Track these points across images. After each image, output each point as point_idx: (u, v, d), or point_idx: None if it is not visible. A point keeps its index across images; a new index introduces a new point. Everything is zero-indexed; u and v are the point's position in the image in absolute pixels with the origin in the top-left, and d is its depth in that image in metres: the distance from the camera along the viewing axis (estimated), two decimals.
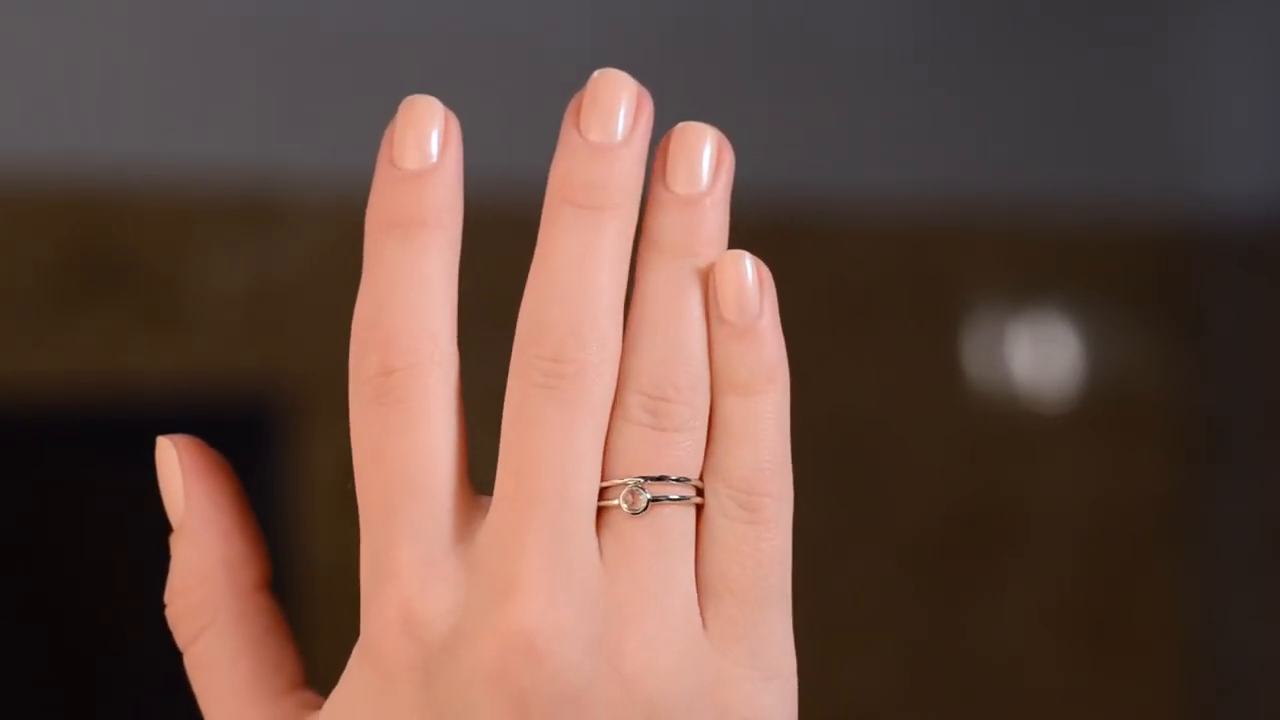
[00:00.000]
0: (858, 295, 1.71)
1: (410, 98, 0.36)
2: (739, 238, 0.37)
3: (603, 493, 0.34)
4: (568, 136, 0.35)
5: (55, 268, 1.39)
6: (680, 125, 0.36)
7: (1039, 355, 1.81)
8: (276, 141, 1.46)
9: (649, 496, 0.34)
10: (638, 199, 0.35)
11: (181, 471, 0.37)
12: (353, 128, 1.47)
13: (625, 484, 0.34)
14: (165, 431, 0.40)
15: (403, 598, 0.34)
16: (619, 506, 0.34)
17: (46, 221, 1.39)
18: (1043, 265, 1.81)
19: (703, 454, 0.35)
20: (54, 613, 1.40)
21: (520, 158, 1.32)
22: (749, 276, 0.35)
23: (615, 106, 0.35)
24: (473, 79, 1.51)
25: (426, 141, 0.36)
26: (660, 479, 0.34)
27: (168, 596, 0.37)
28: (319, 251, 1.48)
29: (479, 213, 1.53)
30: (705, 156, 0.36)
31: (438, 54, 1.50)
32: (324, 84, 1.47)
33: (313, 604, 1.49)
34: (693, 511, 0.35)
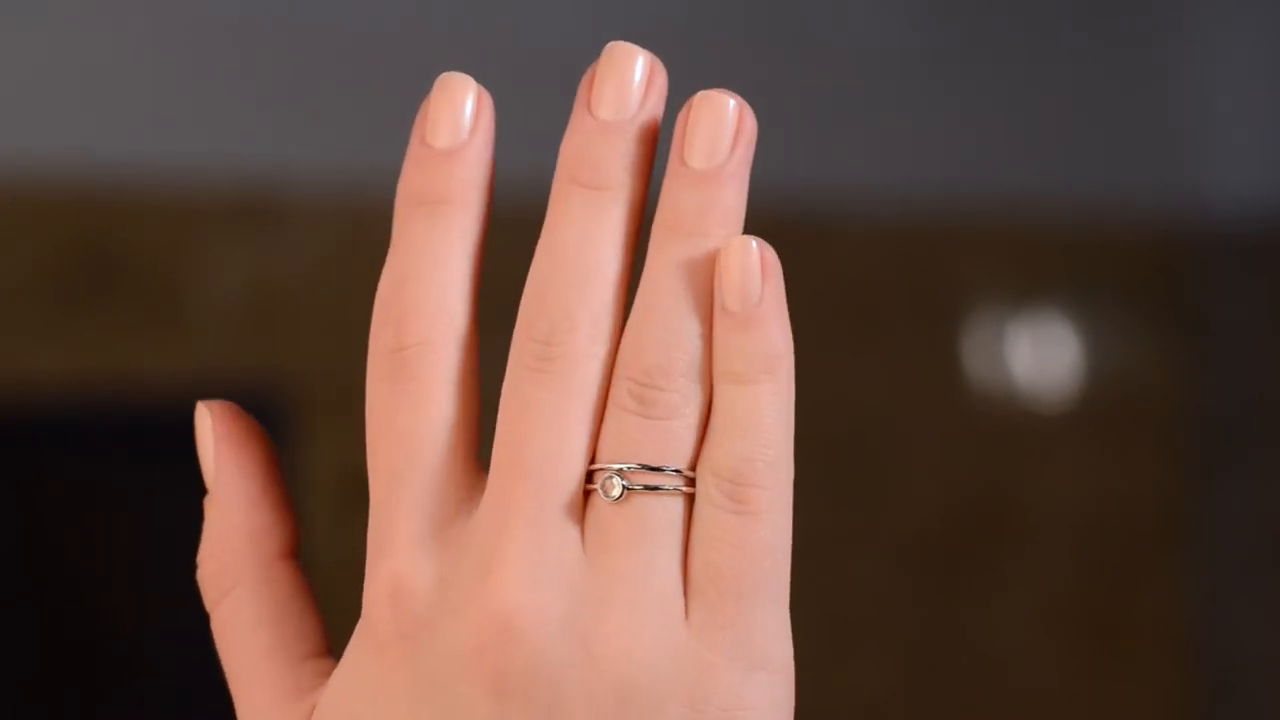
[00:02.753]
0: (858, 295, 1.71)
1: (445, 74, 0.36)
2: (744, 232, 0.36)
3: (590, 477, 0.34)
4: (577, 113, 0.35)
5: (56, 268, 1.39)
6: (699, 94, 0.35)
7: (1039, 355, 1.81)
8: (276, 141, 1.46)
9: (624, 484, 0.34)
10: (646, 176, 0.35)
11: (214, 438, 0.38)
12: (353, 128, 1.47)
13: (607, 470, 0.34)
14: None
15: (394, 569, 0.34)
16: (598, 492, 0.34)
17: (47, 221, 1.39)
18: (1043, 265, 1.81)
19: (696, 441, 0.34)
20: (54, 612, 1.40)
21: (519, 157, 1.32)
22: (752, 262, 0.34)
23: (623, 81, 0.35)
24: (477, 80, 1.51)
25: (459, 119, 0.36)
26: (648, 468, 0.34)
27: (199, 559, 0.38)
28: (319, 251, 1.48)
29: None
30: (722, 129, 0.35)
31: (438, 54, 1.50)
32: (324, 84, 1.47)
33: (318, 604, 1.49)
34: (680, 501, 0.34)
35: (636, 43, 0.36)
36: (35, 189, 1.38)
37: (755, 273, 0.34)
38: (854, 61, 1.70)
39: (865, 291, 1.71)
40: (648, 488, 0.34)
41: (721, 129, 0.35)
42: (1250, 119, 1.86)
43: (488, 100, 0.36)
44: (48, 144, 1.39)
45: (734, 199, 0.35)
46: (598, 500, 0.34)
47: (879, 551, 1.73)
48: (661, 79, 0.35)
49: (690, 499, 0.34)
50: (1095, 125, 1.82)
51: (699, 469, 0.34)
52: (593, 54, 1.76)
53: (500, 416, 0.35)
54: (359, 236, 1.48)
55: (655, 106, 0.35)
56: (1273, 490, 1.83)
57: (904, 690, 1.75)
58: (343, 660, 0.36)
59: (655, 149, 0.35)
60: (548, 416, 0.34)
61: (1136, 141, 1.84)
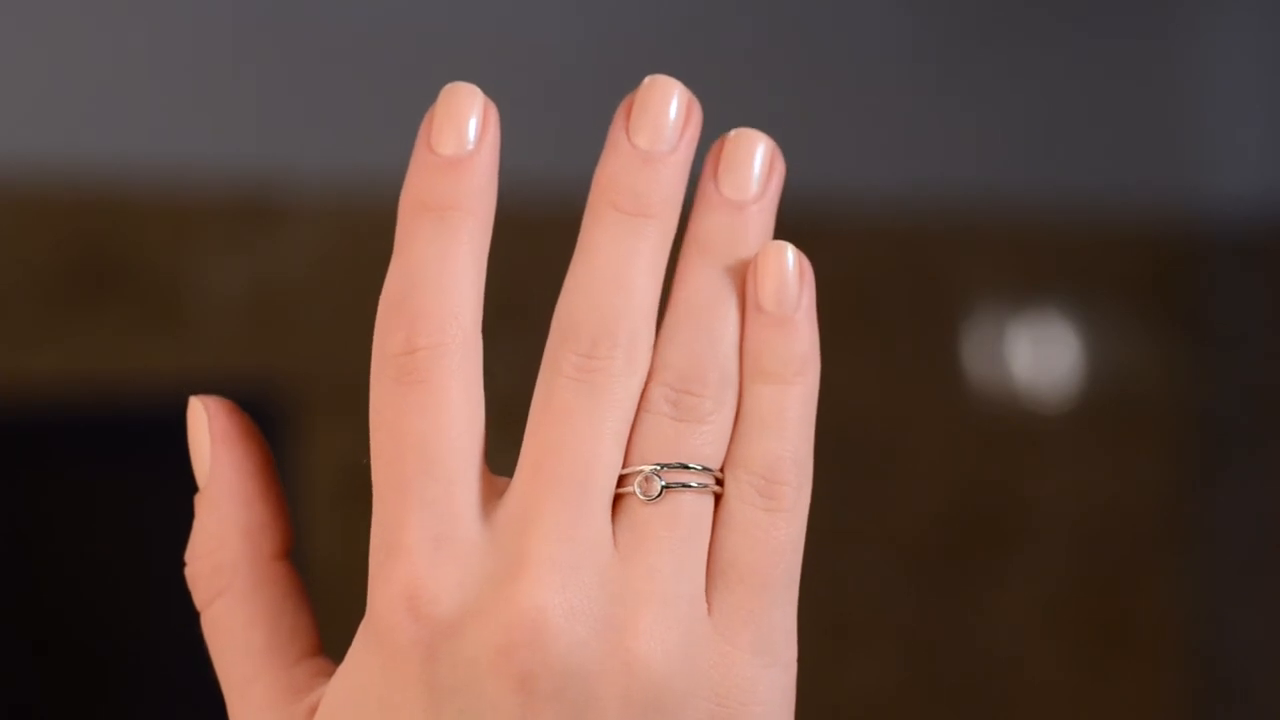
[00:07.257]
0: (858, 295, 1.71)
1: (451, 84, 0.37)
2: None
3: (621, 480, 0.35)
4: (616, 140, 0.36)
5: (55, 268, 1.39)
6: (735, 131, 0.37)
7: (1039, 355, 1.81)
8: (276, 141, 1.46)
9: (663, 483, 0.35)
10: (680, 205, 0.36)
11: (209, 434, 0.38)
12: (353, 128, 1.47)
13: (641, 471, 0.35)
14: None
15: (410, 574, 0.34)
16: (634, 493, 0.35)
17: (47, 222, 1.39)
18: (1043, 265, 1.81)
19: (726, 443, 0.35)
20: (54, 612, 1.40)
21: (518, 158, 1.32)
22: (790, 267, 0.36)
23: (664, 114, 0.36)
24: (474, 80, 1.51)
25: (464, 128, 0.36)
26: (679, 466, 0.35)
27: (187, 557, 0.38)
28: (319, 252, 1.48)
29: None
30: (757, 163, 0.36)
31: (440, 54, 1.50)
32: (324, 84, 1.47)
33: (311, 604, 1.49)
34: (710, 499, 0.35)
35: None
36: (35, 189, 1.38)
37: (793, 276, 0.36)
38: (854, 61, 1.70)
39: (865, 291, 1.71)
40: (685, 486, 0.35)
41: (756, 163, 0.36)
42: (1250, 119, 1.86)
43: (494, 111, 0.37)
44: (48, 144, 1.39)
45: (765, 228, 0.36)
46: (632, 501, 0.35)
47: (879, 551, 1.73)
48: (697, 116, 0.37)
49: (717, 496, 0.35)
50: (1094, 125, 1.82)
51: (729, 466, 0.35)
52: (593, 56, 1.76)
53: (532, 421, 0.35)
54: (359, 236, 1.48)
55: (692, 139, 0.36)
56: (1273, 490, 1.83)
57: (904, 690, 1.75)
58: (346, 666, 0.35)
59: (688, 179, 0.36)
60: (585, 423, 0.34)
61: (1136, 141, 1.84)
